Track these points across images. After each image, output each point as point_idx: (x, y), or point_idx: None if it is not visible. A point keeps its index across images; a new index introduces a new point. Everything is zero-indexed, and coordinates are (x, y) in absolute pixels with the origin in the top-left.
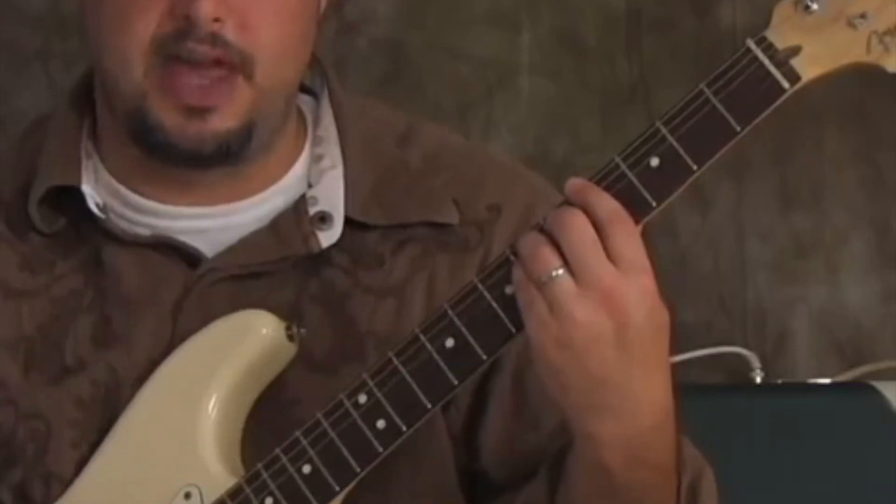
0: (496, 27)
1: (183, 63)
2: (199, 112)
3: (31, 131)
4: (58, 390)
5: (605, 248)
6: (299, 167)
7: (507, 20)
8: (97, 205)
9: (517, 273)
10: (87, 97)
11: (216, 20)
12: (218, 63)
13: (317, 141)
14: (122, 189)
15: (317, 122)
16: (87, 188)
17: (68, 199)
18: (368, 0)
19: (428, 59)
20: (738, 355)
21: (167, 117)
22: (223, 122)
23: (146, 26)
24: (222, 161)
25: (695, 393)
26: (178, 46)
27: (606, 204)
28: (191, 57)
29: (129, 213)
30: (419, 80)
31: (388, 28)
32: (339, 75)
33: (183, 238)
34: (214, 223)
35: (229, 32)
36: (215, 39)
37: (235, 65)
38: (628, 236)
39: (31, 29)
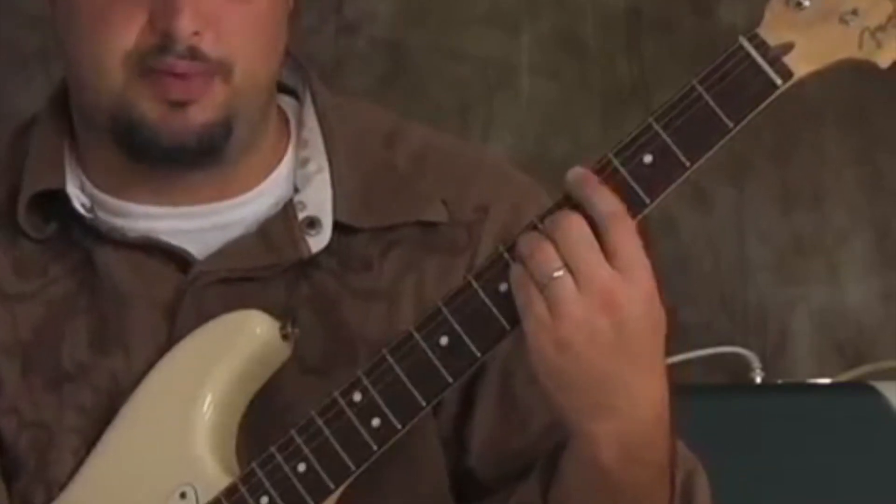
0: (496, 27)
1: (164, 75)
2: (180, 105)
3: (19, 135)
4: (58, 397)
5: (603, 247)
6: (284, 169)
7: (507, 20)
8: (83, 205)
9: (516, 272)
10: (66, 102)
11: (195, 34)
12: (197, 74)
13: (301, 144)
14: (102, 195)
15: (300, 123)
16: (71, 189)
17: (56, 202)
18: (368, 0)
19: (428, 59)
20: (738, 355)
21: (150, 110)
22: (203, 114)
23: (125, 40)
24: (205, 157)
25: (695, 393)
26: (159, 61)
27: (607, 201)
28: (172, 71)
29: (112, 219)
30: (419, 80)
31: (388, 28)
32: (338, 75)
33: (168, 239)
34: (198, 223)
35: (207, 45)
36: (194, 53)
37: (213, 72)
38: (627, 235)
39: (31, 29)
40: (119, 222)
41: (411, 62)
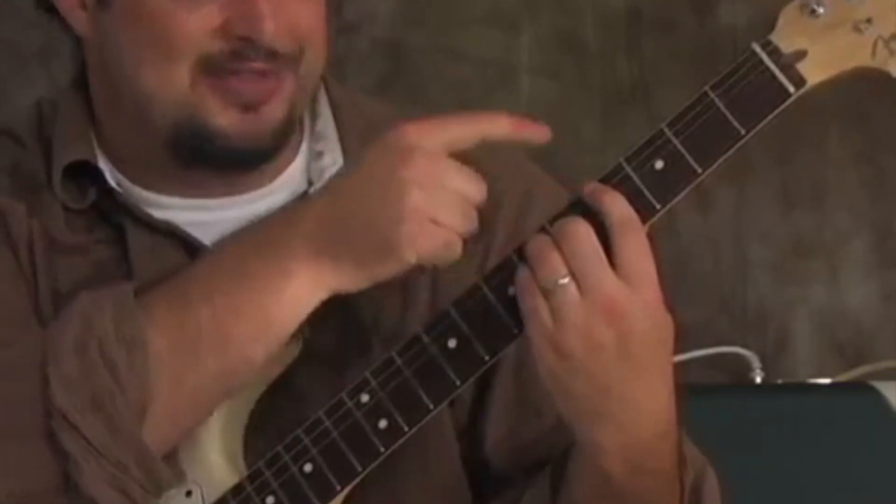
0: (496, 27)
1: (234, 80)
2: (253, 106)
3: (39, 115)
4: None
5: (613, 257)
6: (299, 162)
7: (506, 20)
8: (115, 181)
9: (522, 276)
10: (86, 92)
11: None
12: (271, 72)
13: (315, 137)
14: (125, 181)
15: (314, 117)
16: (102, 164)
17: (87, 177)
18: (368, 0)
19: (428, 59)
20: (738, 355)
21: (222, 119)
22: (274, 112)
23: (197, 46)
24: (271, 156)
25: (695, 393)
26: (235, 66)
27: (620, 208)
28: (250, 71)
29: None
30: (419, 80)
31: (388, 28)
32: (339, 75)
33: (187, 229)
34: (216, 216)
35: (281, 42)
36: (272, 55)
37: (286, 67)
38: (638, 246)
39: (31, 29)
40: (138, 207)
41: (411, 62)
